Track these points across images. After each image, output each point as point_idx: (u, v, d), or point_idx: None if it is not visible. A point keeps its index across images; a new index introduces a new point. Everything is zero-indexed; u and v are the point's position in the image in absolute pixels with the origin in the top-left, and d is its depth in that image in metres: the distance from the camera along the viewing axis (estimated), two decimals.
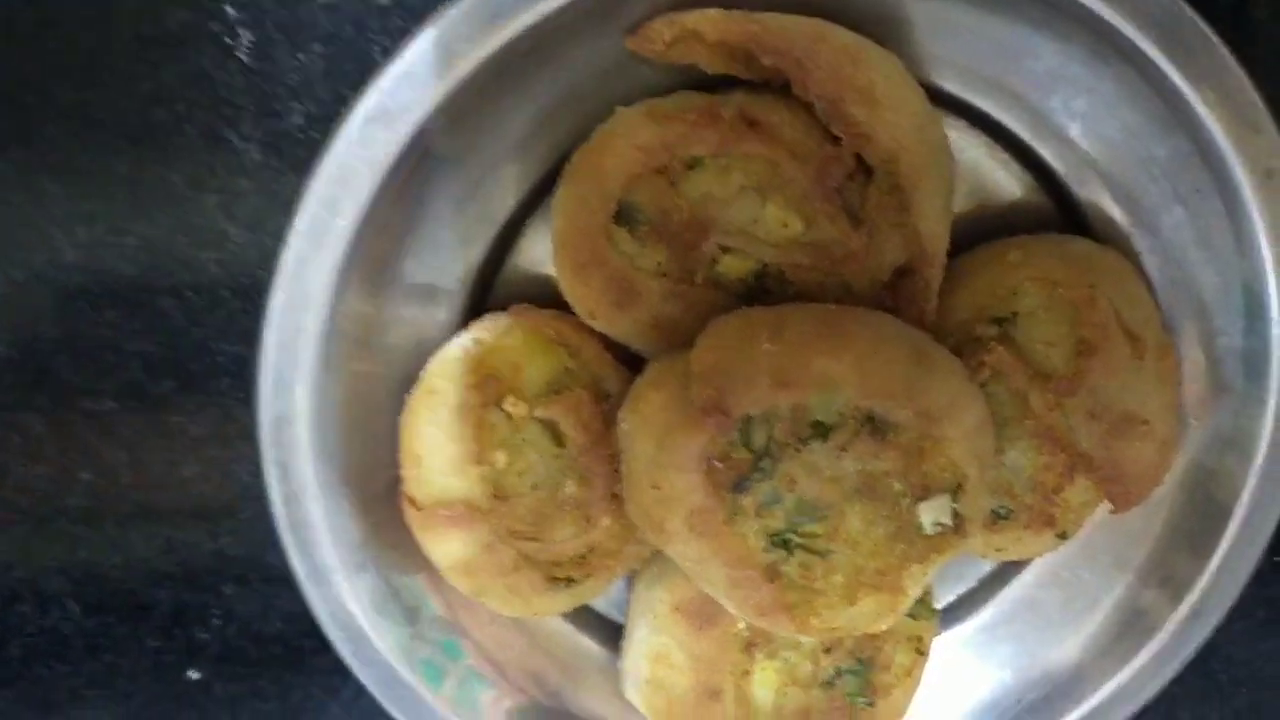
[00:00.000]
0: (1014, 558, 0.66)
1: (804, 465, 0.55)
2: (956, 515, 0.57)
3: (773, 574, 0.56)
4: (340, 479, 0.59)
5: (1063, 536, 0.64)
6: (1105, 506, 0.64)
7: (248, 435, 0.60)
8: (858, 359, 0.54)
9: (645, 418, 0.57)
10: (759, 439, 0.55)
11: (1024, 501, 0.63)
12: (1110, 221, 0.62)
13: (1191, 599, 0.63)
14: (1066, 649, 0.68)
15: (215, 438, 0.64)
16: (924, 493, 0.56)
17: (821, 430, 0.55)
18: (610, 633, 0.68)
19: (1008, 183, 0.63)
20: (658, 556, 0.65)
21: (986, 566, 0.69)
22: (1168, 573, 0.65)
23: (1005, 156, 0.62)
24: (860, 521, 0.56)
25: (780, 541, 0.56)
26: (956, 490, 0.56)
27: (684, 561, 0.57)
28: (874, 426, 0.55)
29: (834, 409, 0.55)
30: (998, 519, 0.63)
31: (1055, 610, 0.68)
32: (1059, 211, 0.63)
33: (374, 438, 0.61)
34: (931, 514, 0.56)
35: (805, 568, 0.57)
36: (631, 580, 0.67)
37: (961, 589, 0.70)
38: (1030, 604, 0.69)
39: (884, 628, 0.59)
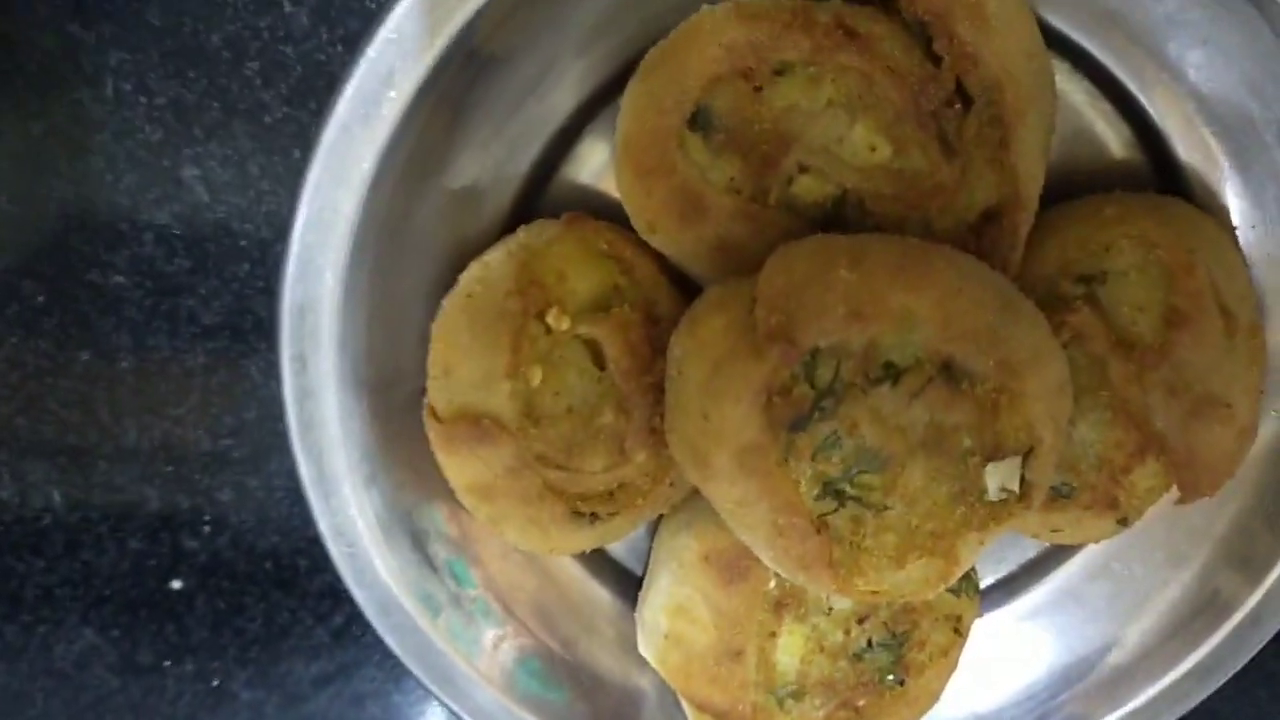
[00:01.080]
0: (1067, 541, 0.61)
1: (869, 410, 0.51)
2: (1024, 482, 0.53)
3: (821, 525, 0.52)
4: (361, 381, 0.55)
5: (1123, 523, 0.59)
6: (1170, 496, 0.60)
7: (263, 329, 0.56)
8: (941, 297, 0.50)
9: (702, 342, 0.52)
10: (824, 375, 0.50)
11: (1088, 480, 0.58)
12: (1212, 189, 0.57)
13: (1269, 582, 0.59)
14: (1109, 646, 0.64)
15: (227, 328, 0.60)
16: (994, 453, 0.52)
17: (893, 372, 0.50)
18: (627, 584, 0.64)
19: (1106, 135, 0.58)
20: (688, 502, 0.61)
21: (1031, 551, 0.65)
22: (1245, 554, 0.60)
23: (1107, 107, 0.57)
24: (922, 477, 0.52)
25: (833, 491, 0.52)
26: (1028, 454, 0.52)
27: (724, 503, 0.53)
28: (949, 374, 0.50)
29: (910, 350, 0.50)
30: (1058, 497, 0.58)
31: (1101, 604, 0.64)
32: (1156, 173, 0.58)
33: (401, 343, 0.56)
34: (999, 477, 0.52)
35: (856, 522, 0.52)
36: (654, 528, 0.63)
37: (1003, 571, 0.65)
38: (1075, 595, 0.64)
39: (930, 596, 0.55)
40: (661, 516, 0.61)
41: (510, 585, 0.62)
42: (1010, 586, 0.65)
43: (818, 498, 0.52)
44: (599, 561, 0.64)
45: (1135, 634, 0.63)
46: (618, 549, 0.64)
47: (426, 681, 0.60)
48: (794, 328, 0.49)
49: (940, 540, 0.53)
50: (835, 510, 0.52)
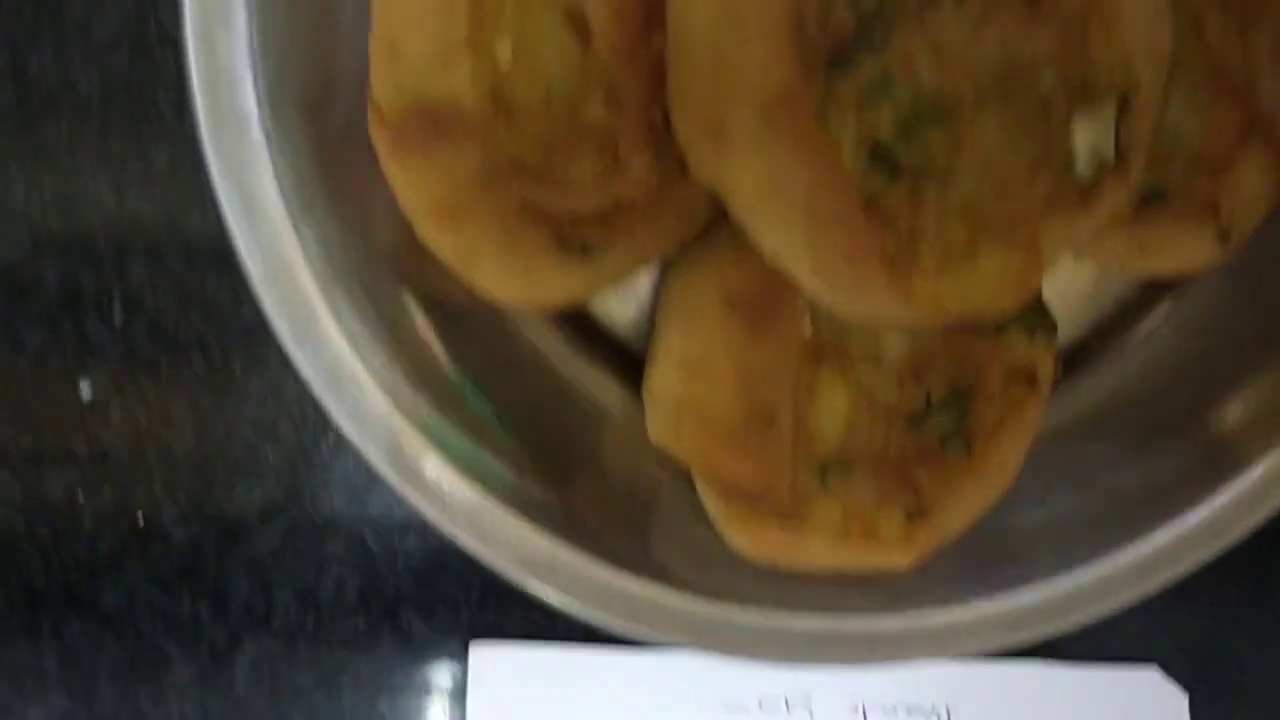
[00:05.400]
0: (1155, 268, 0.51)
1: (928, 37, 0.40)
2: (1119, 142, 0.43)
3: (871, 204, 0.42)
4: (290, 87, 0.44)
5: (1225, 239, 0.49)
6: None
7: (170, 41, 0.45)
8: None
9: None
10: None
11: (1179, 180, 0.48)
12: None
13: None
14: (1208, 410, 0.54)
15: (128, 37, 0.49)
16: (1082, 96, 0.42)
17: None
18: (629, 366, 0.53)
19: None
20: (700, 242, 0.50)
21: (1106, 302, 0.55)
22: None
23: None
24: (995, 132, 0.41)
25: (885, 158, 0.41)
26: (1123, 102, 0.42)
27: (745, 189, 0.42)
28: None
29: None
30: (1146, 203, 0.49)
31: (1196, 362, 0.54)
32: None
33: (337, 36, 0.46)
34: (1089, 130, 0.41)
35: (913, 200, 0.42)
36: (659, 282, 0.53)
37: (1073, 334, 0.56)
38: (1165, 353, 0.55)
39: (1008, 307, 0.44)
40: (668, 267, 0.51)
41: (490, 364, 0.51)
42: (1082, 352, 0.56)
43: (866, 169, 0.42)
44: (597, 342, 0.54)
45: (1241, 394, 0.54)
46: (621, 324, 0.54)
47: (394, 483, 0.49)
48: None
49: (1018, 225, 0.43)
50: (888, 187, 0.42)
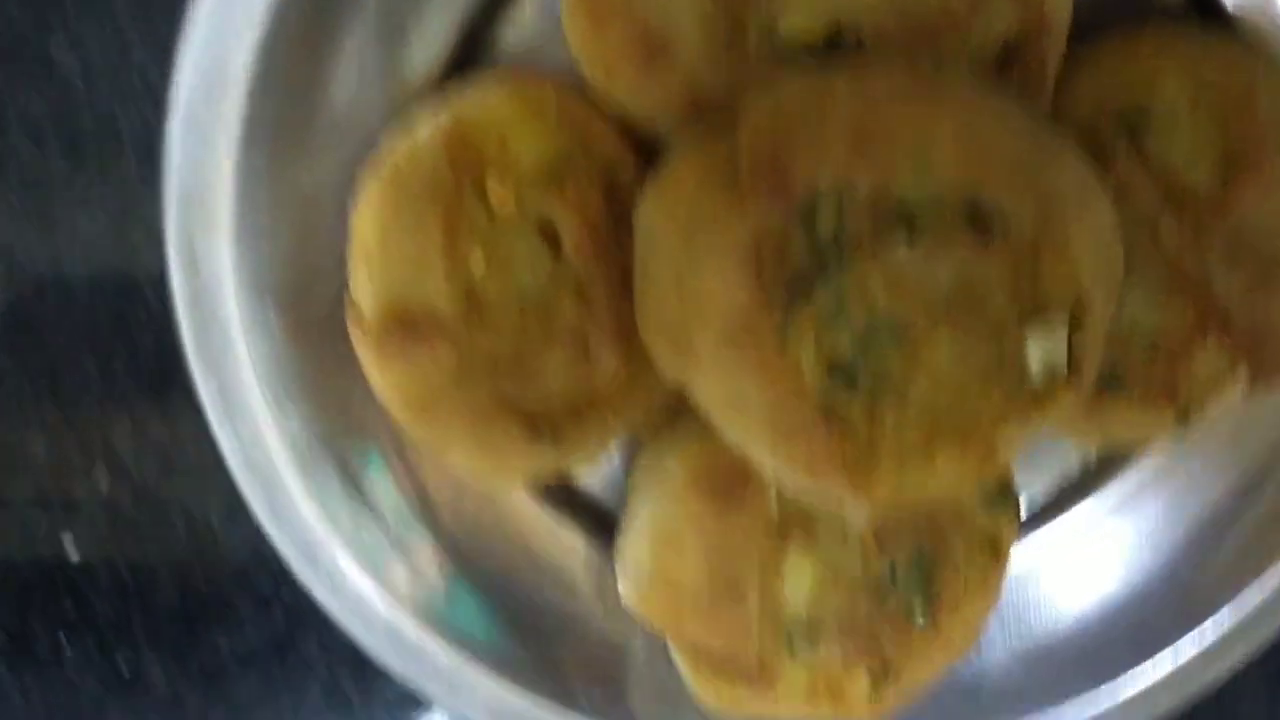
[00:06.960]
0: (1118, 443, 0.53)
1: (882, 267, 0.41)
2: (1071, 354, 0.44)
3: (830, 416, 0.43)
4: (271, 285, 0.46)
5: (1183, 417, 0.51)
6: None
7: (157, 235, 0.46)
8: (963, 123, 0.41)
9: (674, 200, 0.43)
10: (826, 226, 0.41)
11: (1139, 367, 0.50)
12: (1264, 30, 0.48)
13: None
14: (1170, 570, 0.55)
15: (112, 232, 0.51)
16: (1035, 315, 0.43)
17: (909, 219, 0.41)
18: (604, 526, 0.54)
19: None
20: (673, 416, 0.52)
21: (1074, 463, 0.56)
22: None
23: None
24: (949, 349, 0.42)
25: (843, 374, 0.43)
26: (1075, 319, 0.44)
27: (711, 399, 0.44)
28: (977, 218, 0.42)
29: (928, 190, 0.41)
30: (1105, 389, 0.50)
31: (1159, 522, 0.56)
32: (1200, 18, 0.50)
33: (316, 237, 0.47)
34: (1042, 346, 0.43)
35: (871, 411, 0.43)
36: (633, 452, 0.54)
37: (1040, 487, 0.56)
38: (1127, 512, 0.56)
39: (964, 495, 0.46)
40: (640, 436, 0.53)
41: (465, 531, 0.53)
42: (1051, 505, 0.57)
43: (825, 383, 0.43)
44: (569, 500, 0.55)
45: (1200, 554, 0.55)
46: (593, 483, 0.55)
47: (369, 646, 0.51)
48: (786, 164, 0.40)
49: (973, 429, 0.44)
50: (847, 398, 0.43)
